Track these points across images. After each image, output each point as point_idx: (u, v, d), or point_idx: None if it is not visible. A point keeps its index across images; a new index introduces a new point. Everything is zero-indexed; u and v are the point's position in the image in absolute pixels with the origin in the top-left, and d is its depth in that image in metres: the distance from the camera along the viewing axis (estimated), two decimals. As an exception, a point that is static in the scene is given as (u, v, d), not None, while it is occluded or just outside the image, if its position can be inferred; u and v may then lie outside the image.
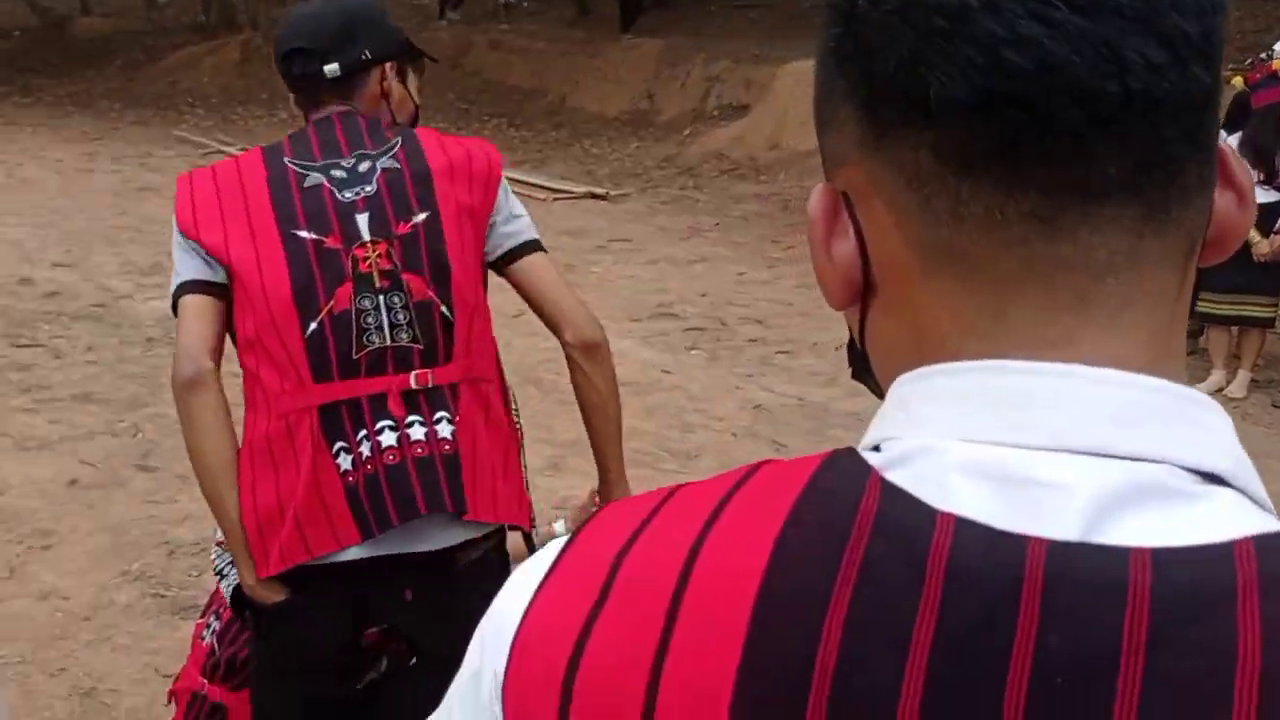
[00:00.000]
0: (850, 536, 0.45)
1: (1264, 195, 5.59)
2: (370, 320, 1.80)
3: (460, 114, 15.24)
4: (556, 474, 4.56)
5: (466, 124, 14.75)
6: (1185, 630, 0.41)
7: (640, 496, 0.55)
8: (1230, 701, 0.40)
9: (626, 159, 12.49)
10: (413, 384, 1.80)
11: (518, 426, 2.00)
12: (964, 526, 0.44)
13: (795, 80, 12.57)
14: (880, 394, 0.55)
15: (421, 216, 1.84)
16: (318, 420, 1.78)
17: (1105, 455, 0.45)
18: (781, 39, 15.39)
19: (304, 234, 1.81)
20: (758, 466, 0.52)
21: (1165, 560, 0.42)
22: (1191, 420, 0.47)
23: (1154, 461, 0.45)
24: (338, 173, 1.87)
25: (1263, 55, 6.00)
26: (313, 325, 1.78)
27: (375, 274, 1.80)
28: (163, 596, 3.49)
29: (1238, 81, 6.09)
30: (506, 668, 0.52)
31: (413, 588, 1.83)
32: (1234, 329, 5.87)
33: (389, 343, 1.80)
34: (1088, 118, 0.45)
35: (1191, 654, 0.41)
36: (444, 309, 1.83)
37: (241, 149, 12.23)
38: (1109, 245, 0.47)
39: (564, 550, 0.54)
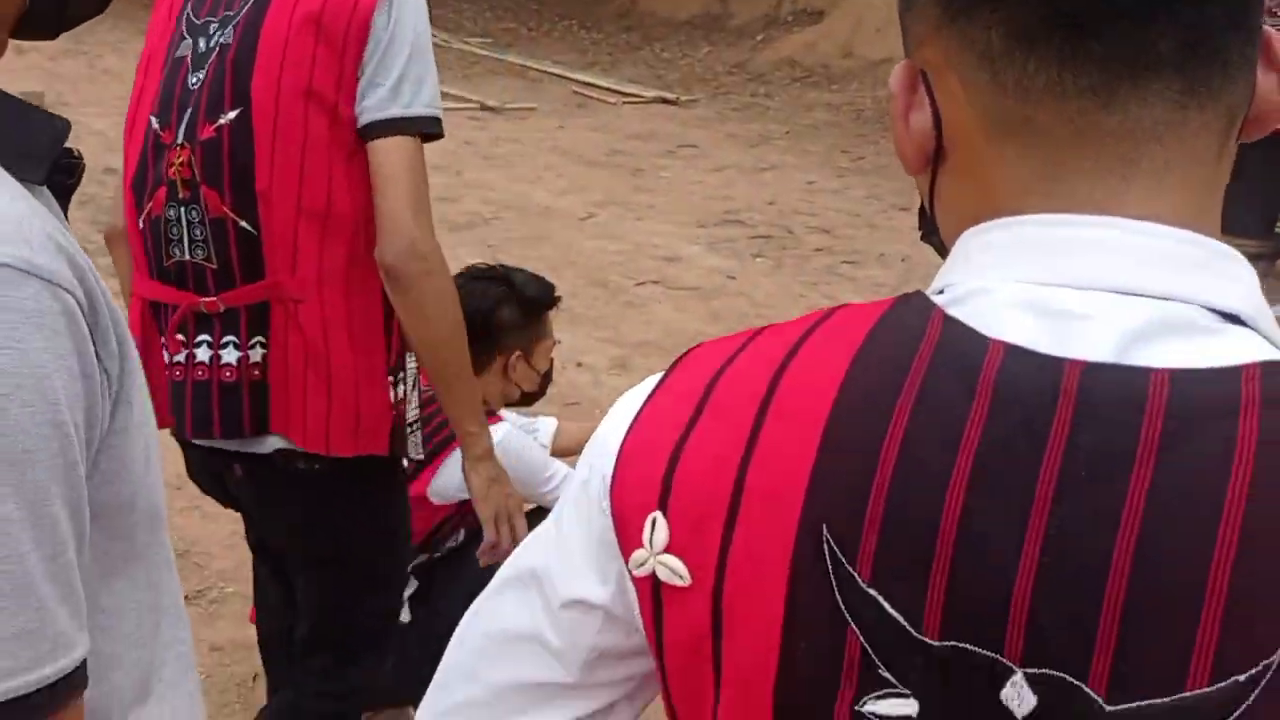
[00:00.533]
0: (915, 357, 0.53)
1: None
2: (174, 231, 1.70)
3: (530, 14, 15.13)
4: (623, 373, 4.66)
5: (537, 25, 14.64)
6: (1193, 436, 0.48)
7: (729, 336, 0.64)
8: (1225, 494, 0.47)
9: (697, 64, 12.35)
10: (202, 308, 1.69)
11: (389, 346, 1.76)
12: (1011, 351, 0.52)
13: (872, -14, 12.27)
14: (944, 252, 0.62)
15: (230, 116, 1.63)
16: (148, 310, 1.77)
17: (1139, 294, 0.52)
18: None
19: (153, 120, 1.71)
20: (837, 308, 0.60)
21: (1181, 379, 0.50)
22: (1218, 270, 0.54)
23: (1182, 301, 0.52)
24: (201, 43, 1.68)
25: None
26: (140, 220, 1.74)
27: (179, 183, 1.68)
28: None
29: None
30: (613, 474, 0.61)
31: (240, 465, 1.80)
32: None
33: (187, 257, 1.69)
34: (1145, 1, 0.52)
35: (1196, 455, 0.48)
36: (244, 224, 1.64)
37: None
38: (1155, 115, 0.54)
39: (662, 379, 0.63)
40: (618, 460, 0.61)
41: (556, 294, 2.54)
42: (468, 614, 0.70)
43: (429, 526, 2.33)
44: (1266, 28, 0.58)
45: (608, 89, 10.82)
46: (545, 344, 2.52)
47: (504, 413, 2.55)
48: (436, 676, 0.70)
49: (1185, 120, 0.54)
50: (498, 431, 2.28)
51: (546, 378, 2.55)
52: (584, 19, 14.71)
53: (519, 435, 2.47)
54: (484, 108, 9.86)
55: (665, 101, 10.52)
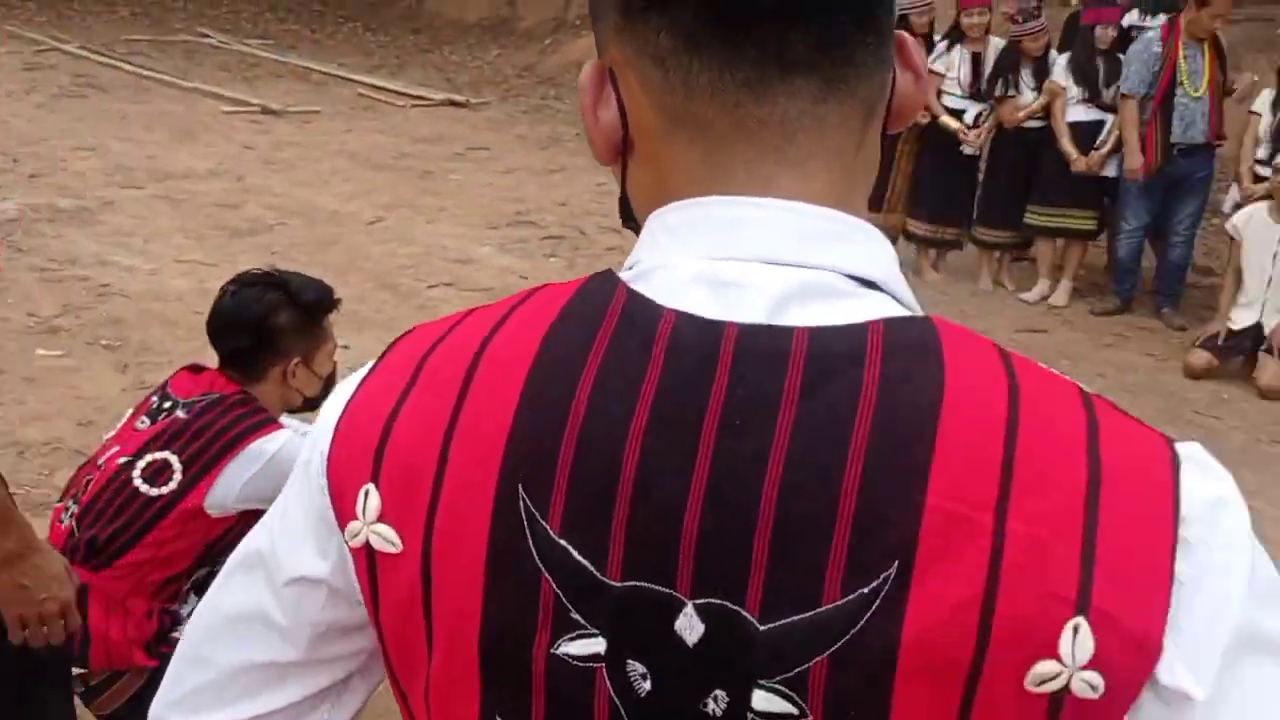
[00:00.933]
0: (601, 326, 0.59)
1: (1085, 114, 5.96)
2: None
3: (314, 16, 14.71)
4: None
5: (320, 27, 14.25)
6: (827, 382, 0.56)
7: (444, 318, 0.67)
8: (851, 430, 0.55)
9: (486, 66, 12.32)
10: None
11: None
12: (681, 316, 0.58)
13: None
14: (638, 233, 0.68)
15: None
16: None
17: (789, 264, 0.60)
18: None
19: None
20: (539, 287, 0.65)
21: (819, 335, 0.57)
22: (857, 242, 0.62)
23: (826, 269, 0.60)
24: None
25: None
26: None
27: None
28: (14, 495, 3.46)
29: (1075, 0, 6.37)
30: (329, 451, 0.64)
31: None
32: (1058, 240, 6.27)
33: None
34: (784, 8, 0.59)
35: (829, 398, 0.56)
36: None
37: (80, 46, 11.59)
38: (800, 109, 0.61)
39: (379, 359, 0.67)
40: (333, 438, 0.64)
41: (336, 297, 2.51)
42: (199, 605, 0.70)
43: (210, 539, 2.27)
44: (900, 32, 0.65)
45: (395, 92, 10.65)
46: (326, 348, 2.49)
47: (286, 419, 2.51)
48: (169, 668, 0.70)
49: (825, 114, 0.61)
50: (278, 439, 2.24)
51: (330, 382, 2.52)
52: (369, 21, 14.41)
53: (299, 441, 2.43)
54: (266, 111, 9.52)
55: (454, 104, 10.44)
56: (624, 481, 0.56)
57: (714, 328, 0.57)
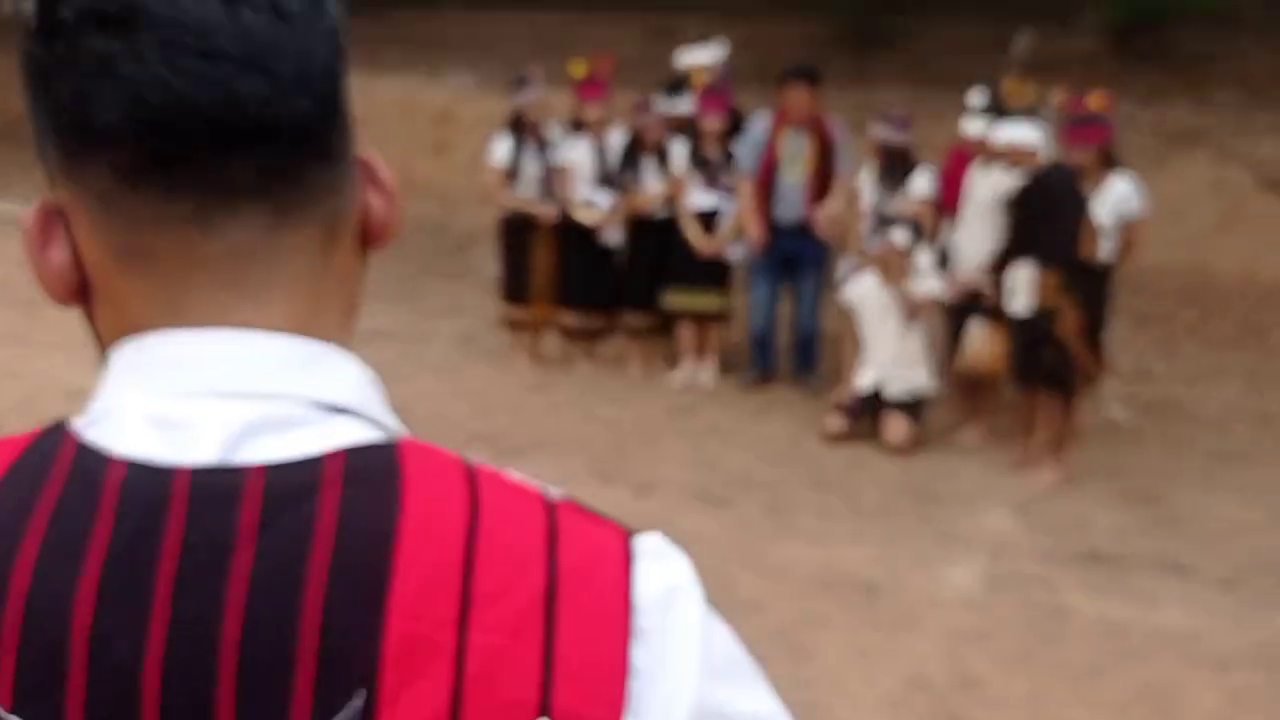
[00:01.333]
0: (46, 484, 0.57)
1: (705, 200, 6.29)
2: None
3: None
4: None
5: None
6: (282, 516, 0.55)
7: None
8: (309, 562, 0.55)
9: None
10: None
11: None
12: (132, 466, 0.57)
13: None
14: None
15: None
16: None
17: (246, 397, 0.58)
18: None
19: None
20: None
21: (275, 470, 0.56)
22: (324, 367, 0.61)
23: (286, 398, 0.59)
24: None
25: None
26: None
27: None
28: None
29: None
30: None
31: None
32: (701, 321, 6.53)
33: None
34: (219, 139, 0.58)
35: (283, 535, 0.55)
36: None
37: None
38: (252, 238, 0.60)
39: None
40: None
41: None
42: None
43: None
44: (370, 153, 0.66)
45: None
46: None
47: None
48: None
49: (279, 241, 0.61)
50: None
51: None
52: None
53: None
54: None
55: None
56: (76, 647, 0.54)
57: (164, 474, 0.57)
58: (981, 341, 5.41)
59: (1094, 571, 4.31)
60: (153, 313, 0.61)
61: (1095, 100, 5.45)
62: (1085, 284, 4.98)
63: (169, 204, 0.59)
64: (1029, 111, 5.65)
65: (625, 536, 0.61)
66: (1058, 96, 5.98)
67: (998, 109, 5.76)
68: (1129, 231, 5.11)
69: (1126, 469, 5.39)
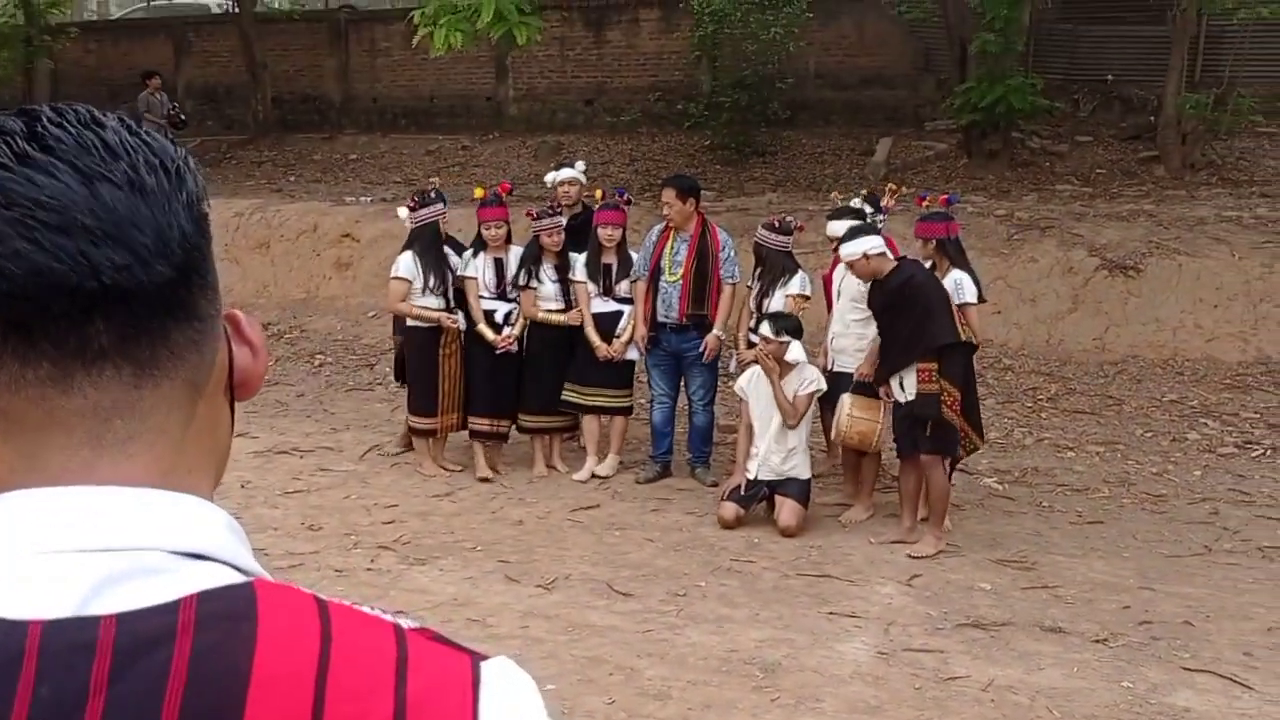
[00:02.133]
0: None
1: (603, 305, 6.58)
2: None
3: None
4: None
5: None
6: (135, 666, 0.58)
7: None
8: (161, 708, 0.57)
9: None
10: None
11: None
12: None
13: (185, 220, 12.26)
14: None
15: None
16: None
17: (104, 550, 0.61)
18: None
19: None
20: None
21: (128, 620, 0.59)
22: (183, 516, 0.64)
23: (145, 549, 0.62)
24: None
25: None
26: None
27: None
28: None
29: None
30: None
31: None
32: (602, 418, 6.76)
33: None
34: (76, 305, 0.62)
35: (140, 679, 0.57)
36: None
37: None
38: (113, 397, 0.64)
39: None
40: None
41: None
42: None
43: None
44: (236, 311, 0.71)
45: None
46: None
47: None
48: None
49: (141, 398, 0.64)
50: None
51: None
52: None
53: None
54: None
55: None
56: None
57: (18, 628, 0.58)
58: (852, 413, 5.75)
59: (979, 638, 4.54)
60: (14, 470, 0.63)
61: (934, 199, 6.12)
62: (956, 365, 5.39)
63: (28, 368, 0.62)
64: (857, 215, 6.14)
65: (473, 662, 0.64)
66: (885, 198, 6.60)
67: (858, 212, 6.25)
68: (964, 315, 5.64)
69: (1003, 537, 5.72)
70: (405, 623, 0.65)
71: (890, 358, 5.50)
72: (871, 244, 5.42)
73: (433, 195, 6.72)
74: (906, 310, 5.35)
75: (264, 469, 6.69)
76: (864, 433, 5.75)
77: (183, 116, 14.27)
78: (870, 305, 5.62)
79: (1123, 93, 13.01)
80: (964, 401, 5.41)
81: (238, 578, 0.63)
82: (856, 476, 6.08)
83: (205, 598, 0.60)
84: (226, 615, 0.60)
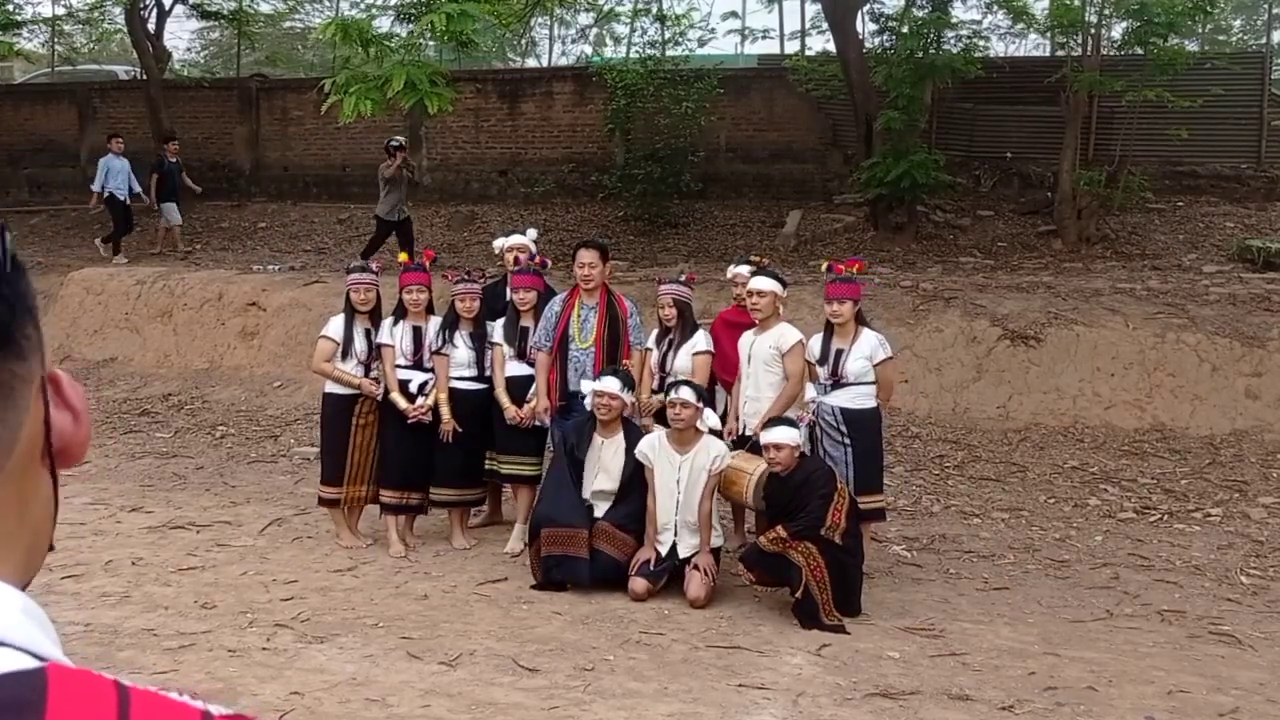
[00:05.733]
0: None
1: (518, 369, 6.52)
2: None
3: None
4: None
5: None
6: None
7: None
8: None
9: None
10: None
11: None
12: None
13: (84, 288, 11.95)
14: None
15: None
16: None
17: None
18: (67, 247, 14.58)
19: None
20: None
21: None
22: None
23: None
24: None
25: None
26: None
27: None
28: None
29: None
30: None
31: None
32: (506, 487, 6.67)
33: None
34: None
35: None
36: None
37: None
38: None
39: None
40: None
41: None
42: None
43: None
44: (58, 371, 0.67)
45: None
46: None
47: None
48: None
49: None
50: None
51: None
52: None
53: None
54: None
55: None
56: None
57: None
58: (734, 465, 5.82)
59: (888, 707, 4.52)
60: None
61: (854, 267, 6.25)
62: (861, 436, 5.45)
63: None
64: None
65: None
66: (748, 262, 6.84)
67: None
68: (880, 372, 5.91)
69: (911, 604, 5.74)
70: (215, 709, 0.60)
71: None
72: (793, 436, 5.58)
73: (367, 264, 6.85)
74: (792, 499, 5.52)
75: (157, 545, 6.43)
76: (731, 479, 5.81)
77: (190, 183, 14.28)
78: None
79: (1021, 169, 13.52)
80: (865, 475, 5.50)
81: (29, 663, 0.58)
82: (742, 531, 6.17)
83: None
84: (11, 705, 0.55)
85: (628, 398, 5.97)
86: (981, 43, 13.08)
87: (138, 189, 13.45)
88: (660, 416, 6.19)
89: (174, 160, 13.88)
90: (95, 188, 13.51)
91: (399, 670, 4.75)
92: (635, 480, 5.95)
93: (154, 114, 15.65)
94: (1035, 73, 13.47)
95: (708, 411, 5.86)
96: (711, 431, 5.93)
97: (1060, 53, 14.25)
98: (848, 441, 5.97)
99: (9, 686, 0.56)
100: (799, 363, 6.04)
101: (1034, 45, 20.56)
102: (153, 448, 9.11)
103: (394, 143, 12.35)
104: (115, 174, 13.32)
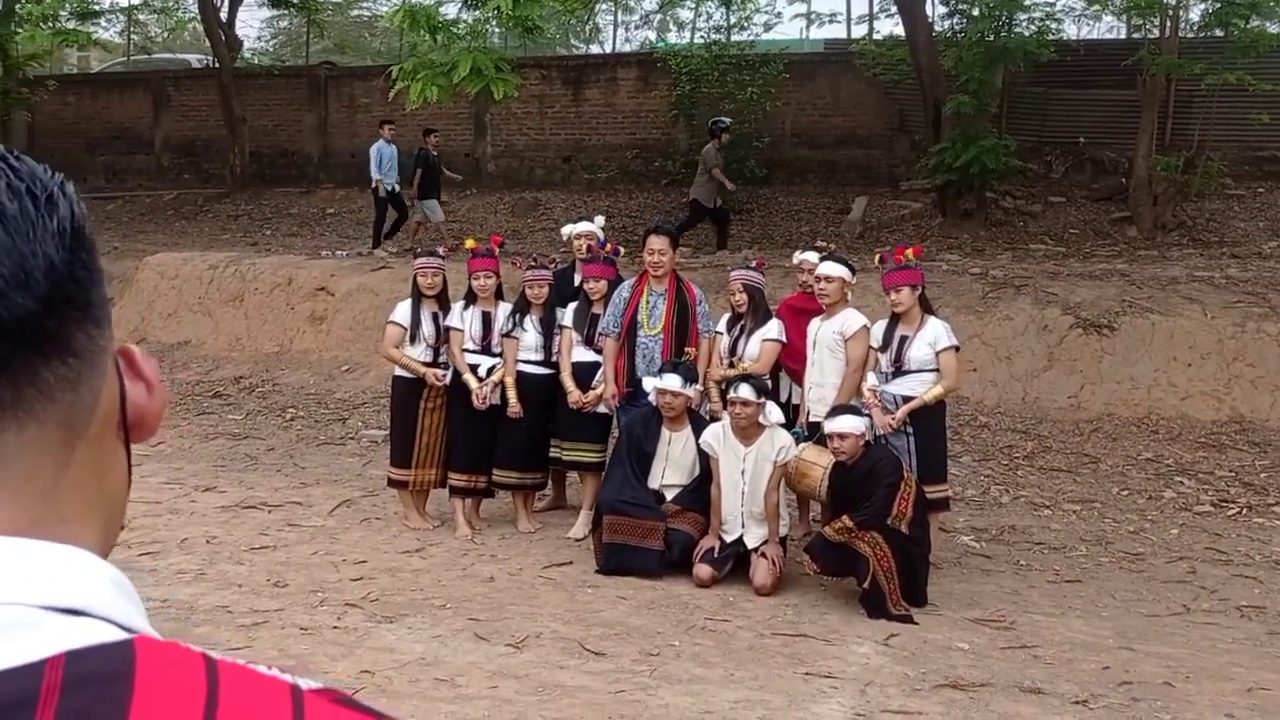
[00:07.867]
0: None
1: (583, 355, 6.54)
2: None
3: None
4: None
5: None
6: None
7: None
8: None
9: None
10: None
11: None
12: None
13: (159, 273, 12.20)
14: None
15: None
16: None
17: None
18: (142, 232, 14.90)
19: None
20: None
21: None
22: (55, 569, 0.58)
23: (9, 604, 0.55)
24: None
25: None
26: None
27: None
28: None
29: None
30: None
31: None
32: (577, 473, 6.69)
33: None
34: None
35: None
36: None
37: None
38: None
39: None
40: None
41: None
42: None
43: None
44: (130, 346, 0.66)
45: None
46: None
47: None
48: None
49: (4, 441, 0.59)
50: None
51: None
52: None
53: None
54: None
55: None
56: None
57: None
58: (801, 455, 5.77)
59: (957, 699, 4.46)
60: None
61: (909, 252, 6.18)
62: (923, 425, 5.38)
63: None
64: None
65: None
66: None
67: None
68: (941, 360, 5.85)
69: (980, 596, 5.66)
70: (305, 683, 0.59)
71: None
72: (858, 425, 5.51)
73: (436, 250, 6.91)
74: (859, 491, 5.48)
75: (230, 524, 6.56)
76: (803, 471, 5.76)
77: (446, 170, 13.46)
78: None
79: (1094, 155, 13.22)
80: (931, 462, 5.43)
81: (116, 635, 0.57)
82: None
83: (75, 657, 0.54)
84: (99, 677, 0.54)
85: (690, 393, 5.94)
86: (1055, 25, 12.82)
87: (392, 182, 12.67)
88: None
89: (435, 154, 13.10)
90: (375, 175, 12.78)
91: (466, 651, 4.79)
92: (703, 474, 5.95)
93: (225, 102, 15.92)
94: (1110, 56, 13.16)
95: (770, 406, 5.81)
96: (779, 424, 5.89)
97: (1136, 35, 13.90)
98: (910, 431, 5.89)
99: (95, 659, 0.55)
100: (862, 348, 5.98)
101: (1108, 28, 20.08)
102: (225, 429, 9.29)
103: (721, 123, 11.64)
104: (387, 161, 12.70)
